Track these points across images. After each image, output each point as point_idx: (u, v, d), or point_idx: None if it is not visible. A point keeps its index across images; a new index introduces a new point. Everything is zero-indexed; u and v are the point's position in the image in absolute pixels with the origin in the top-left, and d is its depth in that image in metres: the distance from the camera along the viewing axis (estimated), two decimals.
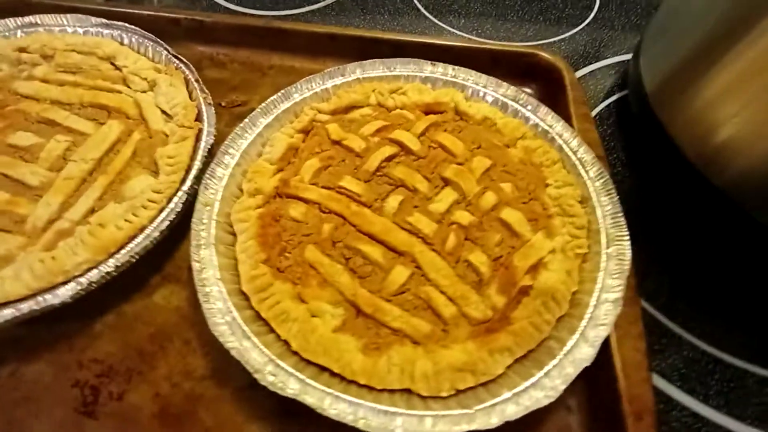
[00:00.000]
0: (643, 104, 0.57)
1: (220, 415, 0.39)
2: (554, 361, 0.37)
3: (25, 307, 0.38)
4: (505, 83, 0.56)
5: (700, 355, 0.45)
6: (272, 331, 0.40)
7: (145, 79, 0.54)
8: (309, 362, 0.38)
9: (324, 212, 0.46)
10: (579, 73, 0.68)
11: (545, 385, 0.36)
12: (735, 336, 0.46)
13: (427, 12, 0.76)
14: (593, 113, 0.64)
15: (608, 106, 0.64)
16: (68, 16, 0.58)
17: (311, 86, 0.55)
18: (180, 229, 0.46)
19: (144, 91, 0.54)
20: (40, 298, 0.39)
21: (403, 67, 0.58)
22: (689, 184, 0.51)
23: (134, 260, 0.42)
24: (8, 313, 0.38)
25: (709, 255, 0.51)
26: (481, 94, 0.56)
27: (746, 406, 0.42)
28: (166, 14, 0.63)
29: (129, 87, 0.54)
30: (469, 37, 0.73)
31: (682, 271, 0.50)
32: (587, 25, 0.75)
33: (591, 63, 0.70)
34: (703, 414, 0.42)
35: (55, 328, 0.43)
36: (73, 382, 0.40)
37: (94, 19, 0.58)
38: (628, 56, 0.69)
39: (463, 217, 0.45)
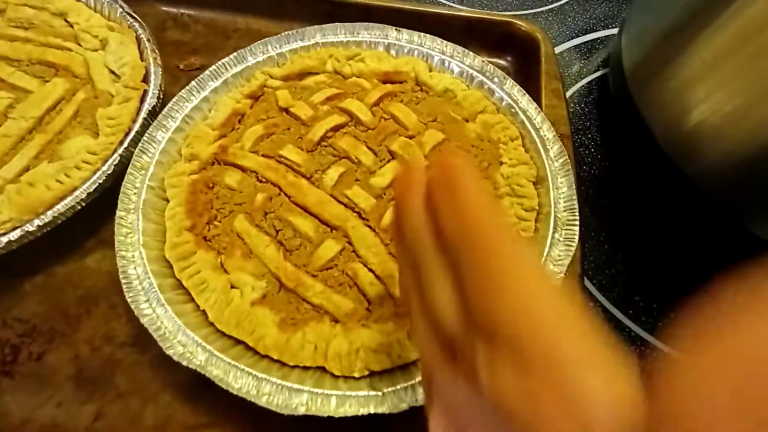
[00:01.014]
0: (620, 83, 0.52)
1: (136, 381, 0.39)
2: None
3: None
4: (472, 53, 0.52)
5: (650, 351, 0.42)
6: (192, 300, 0.39)
7: (97, 36, 0.52)
8: (224, 334, 0.37)
9: (261, 181, 0.44)
10: (564, 47, 0.64)
11: None
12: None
13: None
14: (573, 89, 0.60)
15: (590, 82, 0.60)
16: None
17: (267, 49, 0.53)
18: (118, 191, 0.44)
19: (95, 50, 0.52)
20: None
21: (366, 32, 0.54)
22: (660, 171, 0.47)
23: (60, 221, 0.41)
24: None
25: (673, 247, 0.48)
26: (447, 63, 0.53)
27: None
28: None
29: (80, 45, 0.52)
30: (449, 4, 0.69)
31: (643, 263, 0.47)
32: None
33: (579, 36, 0.65)
34: None
35: None
36: None
37: None
38: (616, 30, 0.64)
39: None
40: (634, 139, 0.51)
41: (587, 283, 0.46)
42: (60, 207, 0.41)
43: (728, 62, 0.41)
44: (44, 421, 0.37)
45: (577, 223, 0.41)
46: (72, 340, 0.40)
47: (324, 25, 0.54)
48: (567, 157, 0.45)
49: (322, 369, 0.36)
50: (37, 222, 0.40)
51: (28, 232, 0.40)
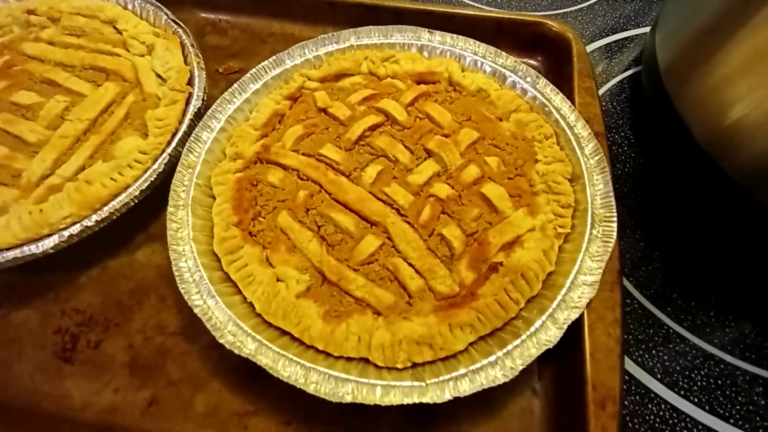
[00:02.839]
0: (655, 81, 0.52)
1: (186, 369, 0.41)
2: (517, 341, 0.36)
3: (10, 254, 0.40)
4: (504, 53, 0.53)
5: (688, 349, 0.42)
6: (239, 292, 0.40)
7: (144, 43, 0.55)
8: (271, 325, 0.39)
9: (302, 179, 0.45)
10: (595, 45, 0.64)
11: (504, 365, 0.35)
12: (728, 331, 0.43)
13: None
14: (605, 88, 0.60)
15: (621, 81, 0.60)
16: None
17: (304, 53, 0.55)
18: (167, 190, 0.46)
19: (142, 55, 0.55)
20: (25, 248, 0.41)
21: (399, 34, 0.56)
22: (696, 168, 0.47)
23: (115, 217, 0.44)
24: None
25: (710, 244, 0.47)
26: (479, 64, 0.53)
27: (731, 405, 0.39)
28: None
29: (128, 50, 0.55)
30: (478, 6, 0.70)
31: (680, 260, 0.47)
32: None
33: (609, 35, 0.65)
34: (683, 410, 0.40)
35: (46, 277, 0.45)
36: (55, 329, 0.43)
37: None
38: (647, 29, 0.64)
39: (442, 190, 0.44)
40: (669, 137, 0.51)
41: (624, 280, 0.46)
42: (115, 203, 0.44)
43: (765, 63, 0.41)
44: (103, 405, 0.39)
45: (615, 219, 0.41)
46: (126, 329, 0.43)
47: (358, 28, 0.56)
48: (602, 154, 0.45)
49: (366, 360, 0.37)
50: (94, 217, 0.43)
51: (87, 227, 0.42)
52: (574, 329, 0.37)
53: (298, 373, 0.35)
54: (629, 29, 0.65)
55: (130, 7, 0.59)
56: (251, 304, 0.40)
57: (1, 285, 0.45)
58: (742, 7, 0.43)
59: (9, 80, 0.51)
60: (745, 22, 0.42)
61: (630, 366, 0.42)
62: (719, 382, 0.41)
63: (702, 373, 0.41)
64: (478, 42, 0.54)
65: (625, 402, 0.40)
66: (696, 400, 0.40)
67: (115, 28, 0.57)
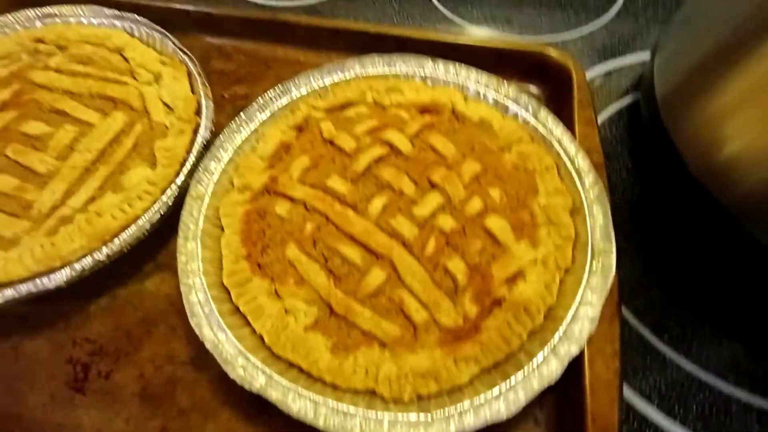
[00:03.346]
0: (652, 110, 0.54)
1: (196, 399, 0.42)
2: (520, 375, 0.37)
3: (24, 288, 0.41)
4: (506, 82, 0.54)
5: (684, 377, 0.44)
6: (248, 324, 0.41)
7: (151, 71, 0.56)
8: (280, 357, 0.40)
9: (309, 211, 0.46)
10: (594, 71, 0.65)
11: (508, 398, 0.36)
12: (723, 359, 0.44)
13: (439, 3, 0.74)
14: (604, 115, 0.61)
15: (620, 108, 0.61)
16: (84, 7, 0.60)
17: (309, 82, 0.56)
18: (176, 219, 0.47)
19: (149, 83, 0.56)
20: (38, 281, 0.42)
21: (403, 63, 0.57)
22: (692, 199, 0.49)
23: (126, 249, 0.45)
24: (9, 293, 0.41)
25: (706, 273, 0.49)
26: (482, 94, 0.55)
27: None
28: (177, 6, 0.64)
29: (135, 79, 0.56)
30: (480, 30, 0.71)
31: (677, 288, 0.48)
32: (609, 19, 0.71)
33: (608, 60, 0.66)
34: None
35: (56, 307, 0.46)
36: (67, 359, 0.43)
37: (107, 11, 0.60)
38: (647, 56, 0.65)
39: (446, 222, 0.45)
40: (665, 166, 0.52)
41: (622, 308, 0.47)
42: (126, 236, 0.45)
43: (763, 97, 0.42)
44: None
45: (614, 252, 0.42)
46: (136, 359, 0.44)
47: (362, 57, 0.57)
48: (602, 186, 0.46)
49: (373, 392, 0.38)
50: (105, 251, 0.44)
51: (99, 260, 0.43)
52: (574, 362, 0.38)
53: (308, 407, 0.36)
54: (629, 55, 0.66)
55: (136, 34, 0.60)
56: (261, 337, 0.41)
57: (13, 315, 0.45)
58: (742, 40, 0.44)
59: (19, 110, 0.52)
60: (745, 56, 0.43)
61: (628, 393, 0.43)
62: (714, 408, 0.42)
63: (698, 399, 0.42)
64: (480, 71, 0.55)
65: (623, 429, 0.41)
66: (692, 426, 0.41)
67: (122, 56, 0.58)
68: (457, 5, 0.74)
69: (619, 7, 0.72)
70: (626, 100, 0.62)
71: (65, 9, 0.60)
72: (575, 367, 0.38)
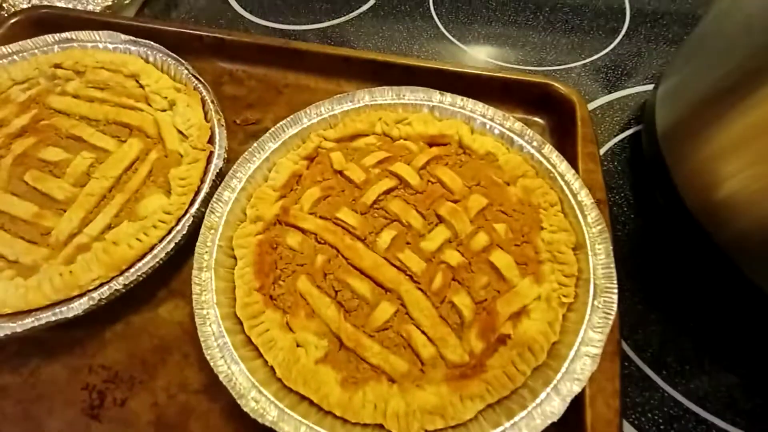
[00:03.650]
0: (653, 144, 0.55)
1: (209, 428, 0.43)
2: (523, 413, 0.38)
3: (44, 317, 0.43)
4: (512, 117, 0.56)
5: (682, 412, 0.45)
6: (261, 356, 0.43)
7: (165, 98, 0.57)
8: (291, 390, 0.41)
9: (320, 242, 0.48)
10: (597, 102, 0.67)
11: None
12: (720, 397, 0.45)
13: (446, 30, 0.75)
14: (607, 146, 0.63)
15: (623, 140, 0.63)
16: (101, 33, 0.62)
17: (320, 111, 0.57)
18: (189, 246, 0.49)
19: (164, 110, 0.57)
20: (57, 310, 0.43)
21: (412, 94, 0.58)
22: (689, 237, 0.50)
23: (142, 278, 0.46)
24: (29, 321, 0.42)
25: (704, 310, 0.50)
26: (488, 126, 0.56)
27: None
28: (191, 30, 0.65)
29: (150, 105, 0.57)
30: (484, 57, 0.72)
31: (676, 324, 0.49)
32: (612, 49, 0.72)
33: (612, 91, 0.68)
34: None
35: (72, 332, 0.47)
36: (83, 385, 0.45)
37: (123, 36, 0.61)
38: (651, 87, 0.66)
39: (453, 257, 0.46)
40: (664, 201, 0.54)
41: (623, 342, 0.48)
42: (141, 265, 0.46)
43: (765, 137, 0.43)
44: None
45: (616, 290, 0.44)
46: (150, 387, 0.45)
47: (372, 89, 0.58)
48: (604, 224, 0.48)
49: (381, 426, 0.39)
50: (122, 280, 0.45)
51: (116, 290, 0.45)
52: (575, 400, 0.39)
53: None
54: (631, 86, 0.68)
55: (151, 60, 0.61)
56: (272, 368, 0.42)
57: (29, 340, 0.46)
58: (743, 80, 0.45)
59: (37, 136, 0.53)
60: (745, 96, 0.44)
61: (627, 429, 0.44)
62: None
63: None
64: (486, 105, 0.57)
65: None
66: None
67: (137, 82, 0.59)
68: (463, 31, 0.75)
69: (622, 36, 0.74)
70: (629, 132, 0.63)
71: (82, 34, 0.62)
72: (577, 405, 0.40)
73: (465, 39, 0.74)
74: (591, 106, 0.66)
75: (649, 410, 0.45)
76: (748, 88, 0.44)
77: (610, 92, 0.67)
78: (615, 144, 0.62)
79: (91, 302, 0.44)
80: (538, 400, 0.39)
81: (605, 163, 0.61)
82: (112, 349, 0.47)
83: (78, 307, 0.43)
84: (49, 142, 0.53)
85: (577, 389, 0.39)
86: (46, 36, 0.61)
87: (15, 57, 0.60)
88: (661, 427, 0.44)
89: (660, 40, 0.73)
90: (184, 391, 0.45)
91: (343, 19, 0.76)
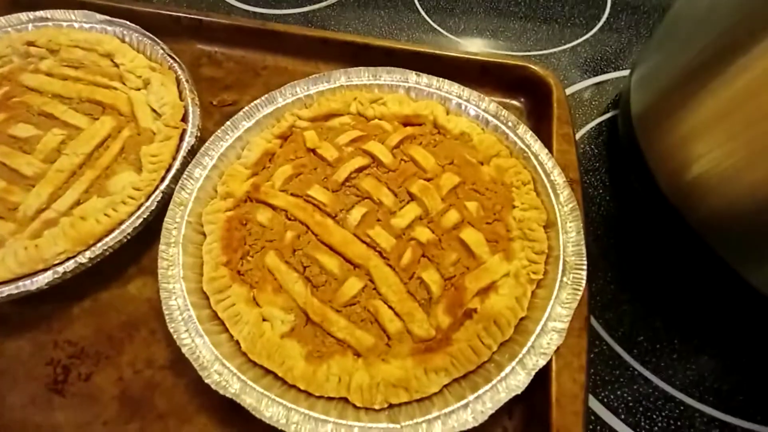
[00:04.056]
0: (628, 127, 0.55)
1: (173, 403, 0.42)
2: (487, 386, 0.38)
3: (5, 290, 0.42)
4: (487, 98, 0.56)
5: (651, 390, 0.45)
6: (226, 330, 0.42)
7: (140, 77, 0.57)
8: (256, 364, 0.41)
9: (290, 219, 0.47)
10: (577, 87, 0.67)
11: (475, 408, 0.37)
12: (690, 375, 0.45)
13: (427, 16, 0.75)
14: (585, 129, 0.63)
15: (600, 124, 0.63)
16: (76, 12, 0.61)
17: (295, 91, 0.57)
18: (159, 224, 0.48)
19: (138, 89, 0.57)
20: (20, 283, 0.43)
21: (388, 75, 0.58)
22: (662, 218, 0.50)
23: (108, 253, 0.45)
24: None
25: (676, 290, 0.50)
26: (463, 107, 0.56)
27: None
28: (168, 12, 0.65)
29: (124, 84, 0.57)
30: (466, 43, 0.72)
31: (647, 304, 0.49)
32: (592, 36, 0.72)
33: (591, 76, 0.68)
34: None
35: (39, 308, 0.47)
36: (47, 361, 0.44)
37: (99, 16, 0.61)
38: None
39: (423, 234, 0.46)
40: (639, 184, 0.54)
41: (594, 321, 0.48)
42: (108, 240, 0.45)
43: (733, 117, 0.43)
44: None
45: (585, 267, 0.44)
46: (116, 362, 0.44)
47: (348, 69, 0.58)
48: (576, 202, 0.48)
49: (345, 400, 0.39)
50: (88, 254, 0.45)
51: (81, 263, 0.44)
52: (542, 374, 0.39)
53: (280, 413, 0.37)
54: (610, 71, 0.68)
55: (127, 39, 0.61)
56: (237, 343, 0.42)
57: None
58: (710, 63, 0.45)
59: (8, 112, 0.53)
60: (713, 78, 0.44)
61: (595, 405, 0.44)
62: (678, 423, 0.43)
63: (663, 414, 0.44)
64: (463, 86, 0.56)
65: None
66: None
67: (112, 61, 0.59)
68: (445, 17, 0.75)
69: (602, 23, 0.74)
70: (607, 116, 0.63)
71: (57, 13, 0.61)
72: (542, 380, 0.39)
73: (446, 25, 0.74)
74: (569, 90, 0.66)
75: (619, 388, 0.45)
76: (713, 71, 0.44)
77: (589, 77, 0.67)
78: (592, 128, 0.62)
79: (56, 276, 0.43)
80: (503, 374, 0.39)
81: (582, 146, 0.61)
82: (79, 324, 0.46)
83: (41, 281, 0.43)
84: (20, 119, 0.53)
85: (542, 363, 0.39)
86: (20, 14, 0.60)
87: None
88: (630, 404, 0.44)
89: (640, 27, 0.73)
90: (150, 366, 0.44)
91: (324, 4, 0.76)
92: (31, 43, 0.58)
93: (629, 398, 0.44)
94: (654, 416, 0.44)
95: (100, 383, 0.43)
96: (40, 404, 0.42)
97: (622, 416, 0.44)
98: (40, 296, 0.44)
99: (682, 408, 0.44)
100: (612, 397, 0.45)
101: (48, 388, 0.43)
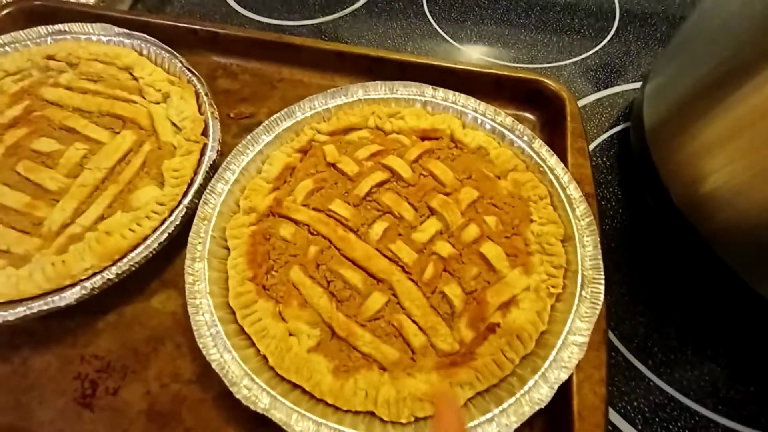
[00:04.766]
0: (640, 140, 0.56)
1: (200, 417, 0.43)
2: (511, 400, 0.39)
3: (36, 306, 0.43)
4: (503, 112, 0.57)
5: (667, 401, 0.46)
6: (253, 345, 0.43)
7: (159, 90, 0.57)
8: (283, 379, 0.41)
9: (312, 234, 0.48)
10: (587, 99, 0.68)
11: (500, 422, 0.38)
12: (702, 385, 0.46)
13: (438, 27, 0.76)
14: (596, 142, 0.64)
15: (612, 136, 0.64)
16: (94, 25, 0.62)
17: (314, 105, 0.57)
18: (182, 238, 0.49)
19: (157, 102, 0.57)
20: (49, 299, 0.43)
21: (405, 89, 0.59)
22: (675, 230, 0.51)
23: (134, 268, 0.46)
24: (21, 310, 0.42)
25: (689, 302, 0.51)
26: (480, 121, 0.57)
27: None
28: (185, 24, 0.65)
29: (144, 98, 0.57)
30: (476, 54, 0.73)
31: (660, 316, 0.50)
32: (601, 48, 0.73)
33: (601, 89, 0.69)
34: None
35: (64, 323, 0.47)
36: (75, 375, 0.45)
37: (116, 29, 0.62)
38: (639, 85, 0.68)
39: (444, 248, 0.47)
40: (651, 196, 0.55)
41: (609, 333, 0.49)
42: (134, 255, 0.46)
43: (747, 133, 0.44)
44: None
45: (603, 281, 0.45)
46: (143, 376, 0.45)
47: (366, 83, 0.59)
48: (592, 216, 0.49)
49: (372, 414, 0.40)
50: (115, 270, 0.45)
51: (108, 279, 0.45)
52: (563, 387, 0.40)
53: (310, 428, 0.38)
54: (620, 84, 0.69)
55: (145, 52, 0.61)
56: (264, 357, 0.42)
57: (21, 331, 0.46)
58: (726, 78, 0.46)
59: (29, 127, 0.53)
60: (728, 93, 0.45)
61: (613, 417, 0.45)
62: None
63: (679, 424, 0.45)
64: (478, 101, 0.57)
65: None
66: None
67: (131, 74, 0.59)
68: (456, 29, 0.76)
69: (612, 35, 0.75)
70: (618, 128, 0.64)
71: (76, 26, 0.62)
72: (564, 392, 0.40)
73: (458, 37, 0.75)
74: (581, 103, 0.67)
75: (635, 399, 0.46)
76: (729, 87, 0.45)
77: (599, 90, 0.68)
78: (604, 140, 0.63)
79: (84, 291, 0.44)
80: (526, 388, 0.40)
81: (594, 158, 0.62)
82: (105, 339, 0.47)
83: (70, 296, 0.43)
84: (42, 134, 0.53)
85: (564, 377, 0.40)
86: (39, 27, 0.61)
87: (7, 48, 0.59)
88: (647, 414, 0.45)
89: (649, 39, 0.75)
90: (177, 380, 0.45)
91: (336, 15, 0.77)
92: (51, 57, 0.59)
93: (646, 409, 0.46)
94: (670, 426, 0.45)
95: (127, 397, 0.44)
96: (69, 419, 0.43)
97: (639, 427, 0.45)
98: (66, 311, 0.45)
99: (697, 418, 0.45)
100: (629, 408, 0.46)
101: (77, 402, 0.43)
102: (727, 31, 0.47)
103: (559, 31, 0.76)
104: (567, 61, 0.72)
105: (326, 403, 0.40)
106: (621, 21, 0.77)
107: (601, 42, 0.74)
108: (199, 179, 0.51)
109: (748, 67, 0.43)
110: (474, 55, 0.73)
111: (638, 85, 0.68)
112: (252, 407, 0.39)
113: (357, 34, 0.75)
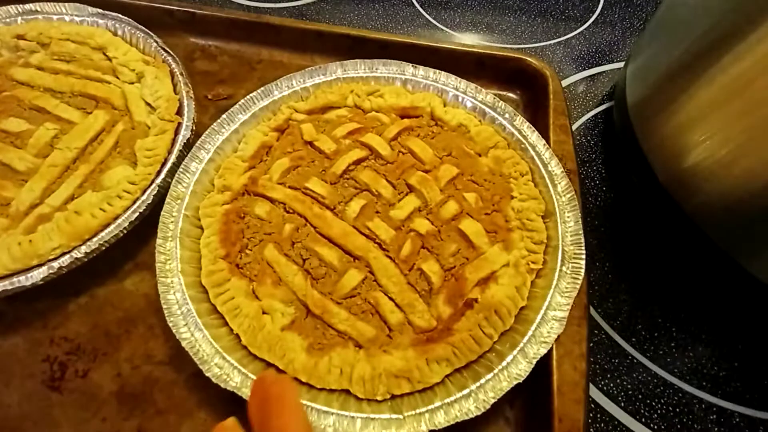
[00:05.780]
0: (624, 118, 0.55)
1: (173, 399, 0.42)
2: (489, 375, 0.38)
3: (1, 286, 0.41)
4: (483, 90, 0.56)
5: (650, 378, 0.45)
6: (226, 324, 0.42)
7: (134, 70, 0.56)
8: (256, 357, 0.40)
9: (288, 212, 0.47)
10: (572, 79, 0.67)
11: (477, 397, 0.37)
12: (688, 362, 0.46)
13: (422, 9, 0.75)
14: (580, 121, 0.63)
15: (596, 115, 0.63)
16: (67, 5, 0.60)
17: (292, 84, 0.56)
18: (155, 219, 0.48)
19: (131, 83, 0.56)
20: (14, 279, 0.42)
21: (384, 68, 0.58)
22: (659, 206, 0.50)
23: (104, 248, 0.45)
24: None
25: (673, 279, 0.50)
26: (461, 99, 0.56)
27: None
28: (161, 5, 0.64)
29: (118, 78, 0.56)
30: (461, 36, 0.72)
31: (645, 293, 0.50)
32: (587, 28, 0.73)
33: (586, 69, 0.68)
34: None
35: (33, 305, 0.46)
36: (44, 357, 0.44)
37: (90, 9, 0.60)
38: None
39: (422, 225, 0.46)
40: (635, 174, 0.54)
41: (593, 311, 0.48)
42: (104, 234, 0.45)
43: (728, 105, 0.43)
44: None
45: (584, 256, 0.44)
46: (114, 358, 0.44)
47: (345, 61, 0.58)
48: (574, 192, 0.48)
49: (347, 392, 0.39)
50: (84, 249, 0.44)
51: (76, 258, 0.43)
52: (543, 363, 0.39)
53: None
54: (605, 63, 0.68)
55: (119, 33, 0.60)
56: (237, 336, 0.41)
57: None
58: (704, 52, 0.45)
59: None
60: (708, 68, 0.45)
61: (596, 394, 0.44)
62: (677, 410, 0.44)
63: (662, 401, 0.44)
64: (459, 78, 0.56)
65: (591, 429, 0.43)
66: (655, 427, 0.43)
67: (104, 54, 0.58)
68: (440, 11, 0.75)
69: (597, 16, 0.74)
70: (602, 107, 0.63)
71: (47, 6, 0.60)
72: (543, 368, 0.40)
73: (441, 18, 0.74)
74: (565, 83, 0.66)
75: (618, 377, 0.45)
76: (708, 60, 0.44)
77: (584, 69, 0.67)
78: (588, 120, 0.63)
79: (51, 271, 0.43)
80: (504, 363, 0.39)
81: (579, 137, 0.61)
82: (76, 321, 0.46)
83: (36, 276, 0.42)
84: (11, 113, 0.52)
85: (543, 351, 0.39)
86: (8, 7, 0.59)
87: None
88: (630, 392, 0.44)
89: (633, 19, 0.74)
90: (149, 362, 0.44)
91: None
92: (20, 37, 0.57)
93: (629, 386, 0.45)
94: (653, 403, 0.44)
95: (97, 380, 0.43)
96: (37, 401, 0.41)
97: (622, 404, 0.44)
98: (35, 293, 0.44)
99: (680, 395, 0.44)
100: (612, 385, 0.45)
101: (45, 385, 0.42)
102: (704, 7, 0.47)
103: (543, 13, 0.75)
104: (551, 42, 0.71)
105: (300, 382, 0.39)
106: (606, 2, 0.76)
107: (585, 23, 0.73)
108: (172, 158, 0.50)
109: (727, 38, 0.43)
110: (458, 37, 0.72)
111: (622, 65, 0.67)
112: (223, 385, 0.38)
113: (339, 17, 0.74)
